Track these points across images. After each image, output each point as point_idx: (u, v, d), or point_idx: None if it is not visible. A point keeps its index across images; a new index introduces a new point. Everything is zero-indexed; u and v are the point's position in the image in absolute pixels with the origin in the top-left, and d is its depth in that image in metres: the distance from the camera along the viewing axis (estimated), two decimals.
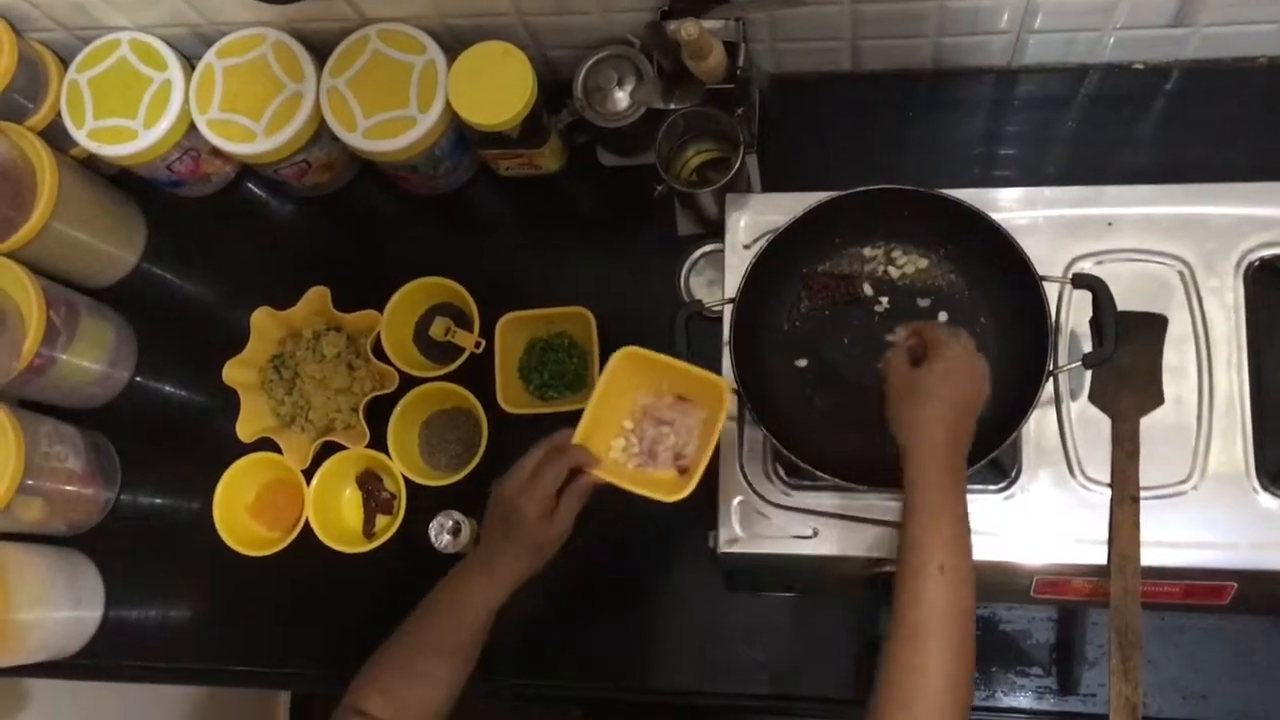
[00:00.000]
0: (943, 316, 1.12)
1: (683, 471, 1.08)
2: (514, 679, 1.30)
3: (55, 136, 1.37)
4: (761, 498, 1.11)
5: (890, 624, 0.91)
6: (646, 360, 1.06)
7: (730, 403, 1.04)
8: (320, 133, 1.33)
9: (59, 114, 1.35)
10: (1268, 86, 1.29)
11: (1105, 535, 1.05)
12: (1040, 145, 1.32)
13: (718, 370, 1.09)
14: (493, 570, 1.07)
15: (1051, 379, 1.04)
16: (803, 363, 1.14)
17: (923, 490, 0.94)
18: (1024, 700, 1.18)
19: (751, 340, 1.11)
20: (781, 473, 1.12)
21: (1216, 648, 1.15)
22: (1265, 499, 1.04)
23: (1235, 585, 1.04)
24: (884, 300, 1.13)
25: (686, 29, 1.08)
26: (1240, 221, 1.10)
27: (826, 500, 1.10)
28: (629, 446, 1.10)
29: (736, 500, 1.12)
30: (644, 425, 1.10)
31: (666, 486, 1.06)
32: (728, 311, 1.11)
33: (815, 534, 1.10)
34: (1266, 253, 1.09)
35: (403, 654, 1.07)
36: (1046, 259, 1.09)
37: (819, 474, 1.04)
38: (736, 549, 1.11)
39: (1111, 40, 1.27)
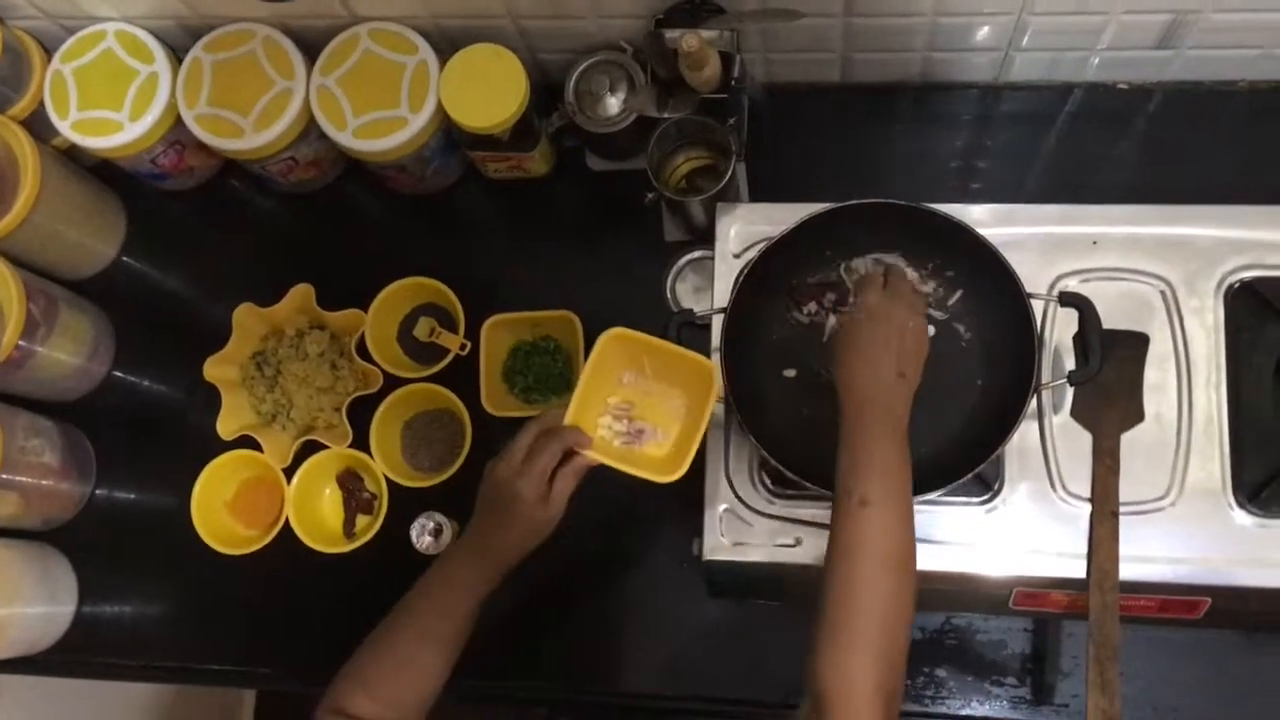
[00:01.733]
0: (929, 330, 1.13)
1: None
2: (489, 680, 1.30)
3: (37, 126, 1.35)
4: (747, 505, 1.12)
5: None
6: (636, 341, 1.08)
7: (719, 384, 1.06)
8: (309, 130, 1.32)
9: (42, 104, 1.34)
10: (1248, 110, 1.31)
11: (1085, 549, 1.06)
12: (1024, 161, 1.34)
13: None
14: (486, 553, 1.06)
15: (1035, 394, 1.05)
16: (791, 373, 1.14)
17: (848, 431, 0.96)
18: (998, 710, 1.20)
19: (740, 349, 1.12)
20: (767, 481, 1.13)
21: (1190, 661, 1.17)
22: (1240, 516, 1.06)
23: (1210, 600, 1.06)
24: None
25: (687, 40, 1.08)
26: (1222, 243, 1.12)
27: (811, 510, 1.10)
28: (614, 425, 1.12)
29: (722, 508, 1.12)
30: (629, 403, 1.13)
31: (658, 466, 1.08)
32: (717, 320, 1.12)
33: (799, 543, 1.10)
34: (1247, 275, 1.11)
35: (388, 647, 1.06)
36: (1032, 276, 1.10)
37: (805, 483, 1.05)
38: (721, 556, 1.11)
39: (1097, 60, 1.29)
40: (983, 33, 1.24)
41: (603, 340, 1.07)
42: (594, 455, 1.06)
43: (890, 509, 0.92)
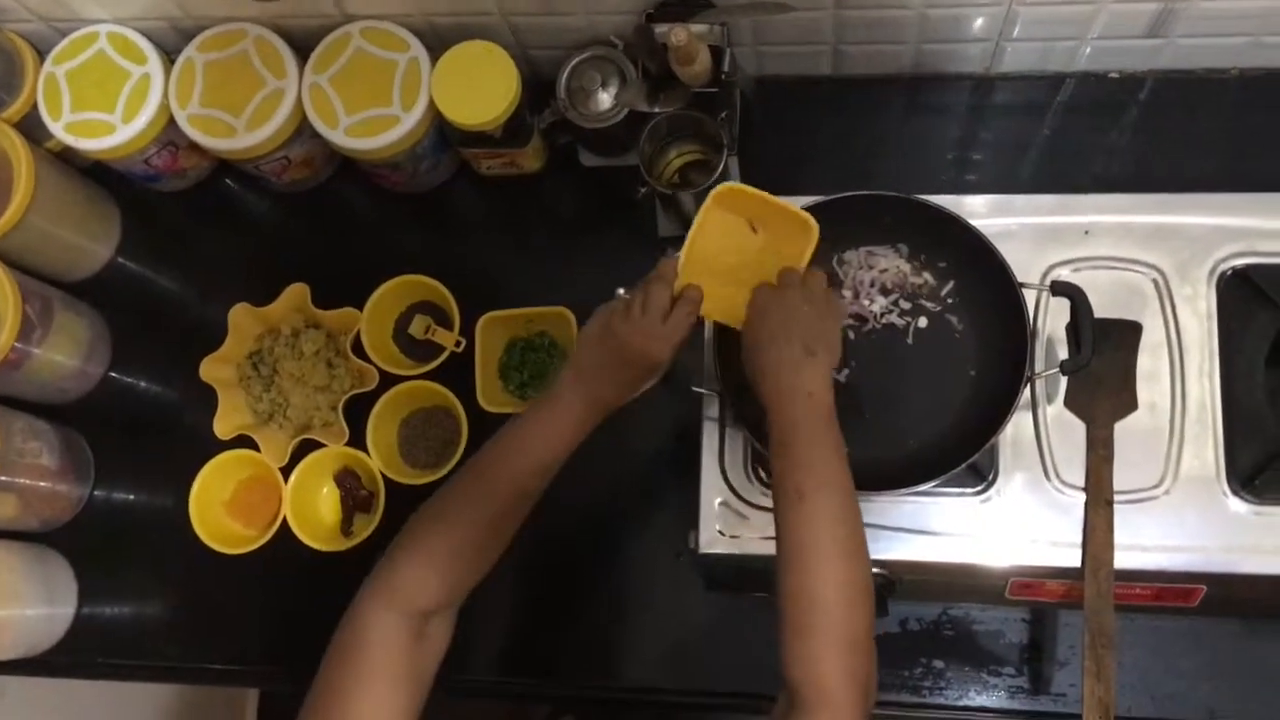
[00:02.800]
0: (922, 322, 1.13)
1: None
2: (487, 676, 1.30)
3: (31, 129, 1.35)
4: (742, 499, 1.12)
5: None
6: (739, 195, 1.05)
7: (815, 237, 1.03)
8: (301, 129, 1.32)
9: (35, 106, 1.34)
10: (1238, 98, 1.31)
11: (1079, 538, 1.06)
12: (1016, 151, 1.34)
13: None
14: (595, 400, 1.02)
15: (1029, 384, 1.05)
16: None
17: (770, 425, 0.94)
18: (996, 700, 1.20)
19: (732, 341, 1.12)
20: (762, 474, 1.13)
21: (1185, 649, 1.17)
22: (1234, 503, 1.06)
23: (1205, 588, 1.06)
24: (864, 304, 1.14)
25: (676, 35, 1.08)
26: (1213, 231, 1.12)
27: None
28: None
29: (717, 501, 1.12)
30: None
31: None
32: None
33: None
34: (1239, 262, 1.11)
35: (475, 517, 1.00)
36: (1024, 265, 1.11)
37: None
38: (716, 549, 1.11)
39: (1088, 50, 1.29)
40: (974, 24, 1.24)
41: (711, 196, 1.05)
42: (709, 314, 1.04)
43: (828, 496, 0.90)
